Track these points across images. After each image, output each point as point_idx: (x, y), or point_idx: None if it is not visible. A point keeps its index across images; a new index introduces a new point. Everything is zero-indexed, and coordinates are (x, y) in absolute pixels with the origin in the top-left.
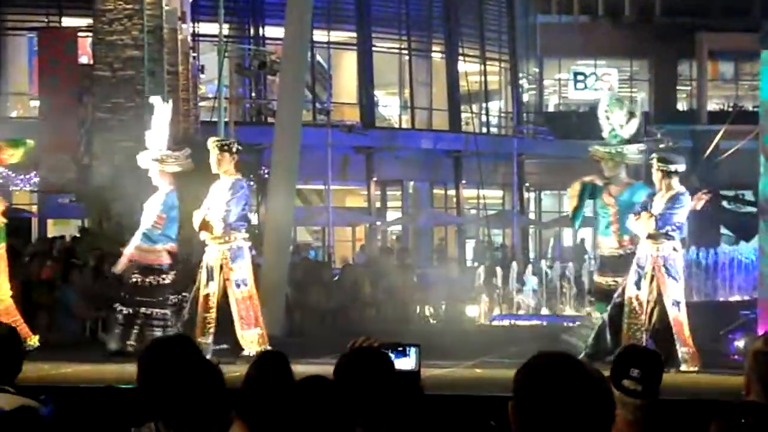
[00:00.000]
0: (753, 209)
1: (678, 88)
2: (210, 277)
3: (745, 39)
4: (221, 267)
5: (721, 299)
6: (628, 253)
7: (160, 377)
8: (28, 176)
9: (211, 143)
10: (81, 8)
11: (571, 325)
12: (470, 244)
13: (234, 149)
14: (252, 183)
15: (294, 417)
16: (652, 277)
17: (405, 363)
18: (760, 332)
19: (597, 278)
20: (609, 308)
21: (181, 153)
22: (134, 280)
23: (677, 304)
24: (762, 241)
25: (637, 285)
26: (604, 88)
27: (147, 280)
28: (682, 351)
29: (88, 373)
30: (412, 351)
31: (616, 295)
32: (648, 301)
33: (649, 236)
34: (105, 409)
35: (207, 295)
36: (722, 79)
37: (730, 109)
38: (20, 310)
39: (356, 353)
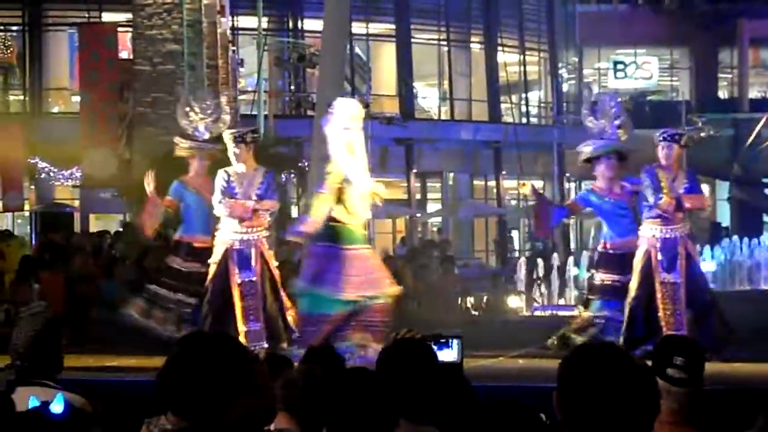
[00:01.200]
0: None
1: (719, 76)
2: (245, 265)
3: None
4: (262, 254)
5: (765, 287)
6: None
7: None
8: (69, 171)
9: (226, 136)
10: (120, 3)
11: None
12: (514, 235)
13: (249, 138)
14: (292, 175)
15: (338, 409)
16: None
17: (447, 354)
18: None
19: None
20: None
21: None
22: None
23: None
24: None
25: (668, 268)
26: (644, 76)
27: None
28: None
29: (133, 365)
30: (455, 342)
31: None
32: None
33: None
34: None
35: (242, 283)
36: (764, 67)
37: None
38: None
39: (399, 345)
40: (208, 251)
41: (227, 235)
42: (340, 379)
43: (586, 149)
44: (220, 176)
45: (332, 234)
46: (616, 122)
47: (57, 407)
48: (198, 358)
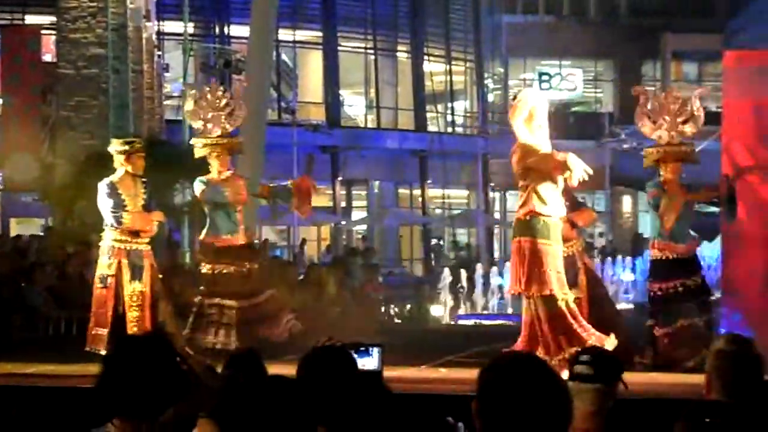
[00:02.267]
0: (716, 209)
1: None
2: (137, 276)
3: (709, 40)
4: (151, 265)
5: None
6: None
7: (125, 375)
8: None
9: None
10: (44, 6)
11: None
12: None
13: (138, 147)
14: None
15: (258, 416)
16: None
17: (368, 362)
18: (722, 331)
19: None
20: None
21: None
22: None
23: None
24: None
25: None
26: (568, 88)
27: None
28: None
29: (53, 372)
30: (375, 351)
31: None
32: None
33: None
34: (64, 410)
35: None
36: (686, 80)
37: None
38: None
39: (319, 352)
40: (234, 250)
41: (111, 243)
42: (261, 386)
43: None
44: (106, 186)
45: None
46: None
47: None
48: (137, 360)
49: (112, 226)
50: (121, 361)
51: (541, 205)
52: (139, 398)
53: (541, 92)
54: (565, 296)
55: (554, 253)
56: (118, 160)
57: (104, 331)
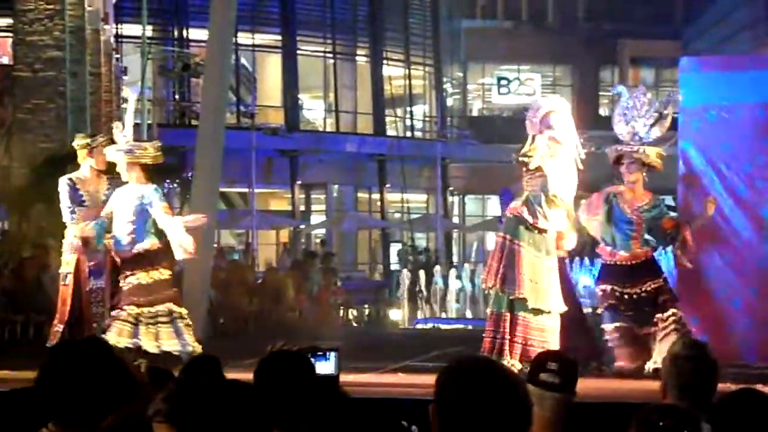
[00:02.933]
0: (673, 214)
1: (600, 93)
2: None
3: (666, 46)
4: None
5: None
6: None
7: (63, 379)
8: None
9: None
10: (1, 8)
11: None
12: (394, 248)
13: (105, 144)
14: (175, 186)
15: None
16: None
17: (324, 367)
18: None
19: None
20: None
21: (149, 144)
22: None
23: None
24: None
25: None
26: (527, 93)
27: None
28: None
29: (9, 377)
30: (332, 355)
31: None
32: None
33: None
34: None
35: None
36: (644, 85)
37: None
38: None
39: (276, 356)
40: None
41: (71, 240)
42: (216, 390)
43: None
44: (66, 182)
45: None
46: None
47: None
48: (74, 365)
49: (72, 222)
50: (57, 366)
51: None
52: (76, 404)
53: (557, 97)
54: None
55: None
56: (81, 155)
57: (62, 327)
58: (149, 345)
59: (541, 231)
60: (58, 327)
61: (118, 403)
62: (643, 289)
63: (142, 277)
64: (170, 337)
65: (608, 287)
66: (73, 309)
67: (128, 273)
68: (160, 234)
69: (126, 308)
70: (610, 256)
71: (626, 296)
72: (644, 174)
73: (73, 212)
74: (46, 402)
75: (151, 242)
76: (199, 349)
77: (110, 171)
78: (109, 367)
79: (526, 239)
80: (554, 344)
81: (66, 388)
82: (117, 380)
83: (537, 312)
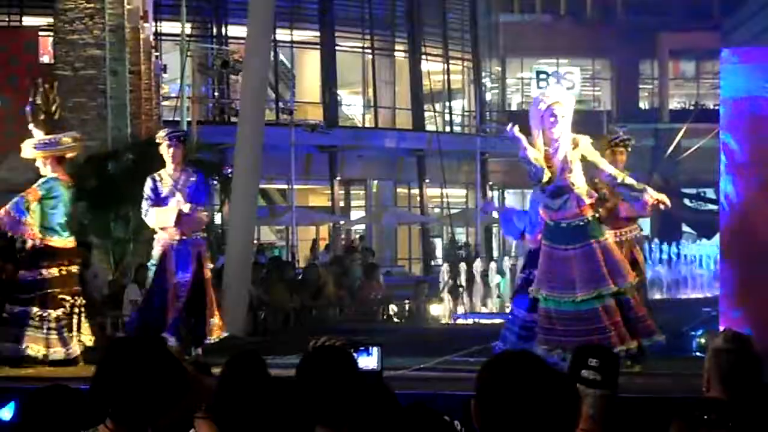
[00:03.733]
0: (714, 207)
1: (640, 86)
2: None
3: (706, 38)
4: (198, 255)
5: (683, 296)
6: None
7: (118, 377)
8: None
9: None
10: (42, 7)
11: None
12: (437, 243)
13: (182, 138)
14: (215, 182)
15: (256, 416)
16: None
17: (367, 362)
18: (721, 329)
19: None
20: None
21: (69, 136)
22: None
23: None
24: None
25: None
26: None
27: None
28: None
29: (53, 374)
30: (375, 350)
31: None
32: None
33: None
34: (57, 410)
35: (178, 284)
36: (683, 78)
37: (692, 108)
38: None
39: (318, 352)
40: None
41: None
42: (258, 386)
43: None
44: (147, 182)
45: None
46: None
47: (6, 413)
48: (132, 363)
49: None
50: (114, 364)
51: None
52: (132, 403)
53: (558, 87)
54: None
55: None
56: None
57: None
58: None
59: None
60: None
61: (171, 404)
62: None
63: None
64: None
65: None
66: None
67: None
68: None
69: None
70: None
71: None
72: None
73: (144, 210)
74: (103, 400)
75: None
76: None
77: (146, 174)
78: (165, 364)
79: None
80: None
81: (122, 386)
82: (172, 378)
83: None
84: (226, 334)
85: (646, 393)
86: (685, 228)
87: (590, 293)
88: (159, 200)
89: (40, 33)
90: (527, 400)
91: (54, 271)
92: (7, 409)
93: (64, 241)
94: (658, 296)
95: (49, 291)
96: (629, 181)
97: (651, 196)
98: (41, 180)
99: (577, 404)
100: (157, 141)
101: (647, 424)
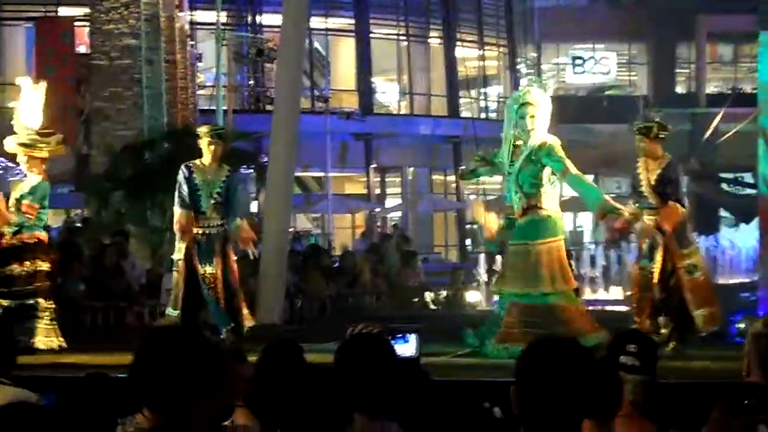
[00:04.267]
0: (752, 191)
1: (677, 71)
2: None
3: (744, 21)
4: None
5: (722, 282)
6: None
7: (156, 365)
8: None
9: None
10: None
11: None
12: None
13: (222, 134)
14: (251, 171)
15: (294, 404)
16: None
17: (405, 349)
18: (761, 314)
19: None
20: None
21: (52, 138)
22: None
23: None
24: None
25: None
26: (602, 71)
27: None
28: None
29: (91, 362)
30: (412, 337)
31: None
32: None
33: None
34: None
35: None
36: (721, 62)
37: (729, 92)
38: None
39: (356, 340)
40: None
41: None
42: (295, 375)
43: None
44: (180, 172)
45: None
46: None
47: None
48: (170, 352)
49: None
50: (152, 353)
51: None
52: (169, 391)
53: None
54: None
55: None
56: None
57: (176, 313)
58: None
59: None
60: (171, 312)
61: (211, 390)
62: None
63: None
64: None
65: None
66: (188, 295)
67: None
68: None
69: None
70: None
71: None
72: None
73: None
74: (140, 388)
75: None
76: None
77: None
78: (202, 353)
79: None
80: None
81: (159, 374)
82: (210, 366)
83: None
84: (253, 324)
85: (686, 378)
86: (724, 213)
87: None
88: (192, 190)
89: (76, 23)
90: (568, 386)
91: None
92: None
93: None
94: None
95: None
96: None
97: None
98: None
99: (619, 390)
100: (199, 135)
101: (687, 409)
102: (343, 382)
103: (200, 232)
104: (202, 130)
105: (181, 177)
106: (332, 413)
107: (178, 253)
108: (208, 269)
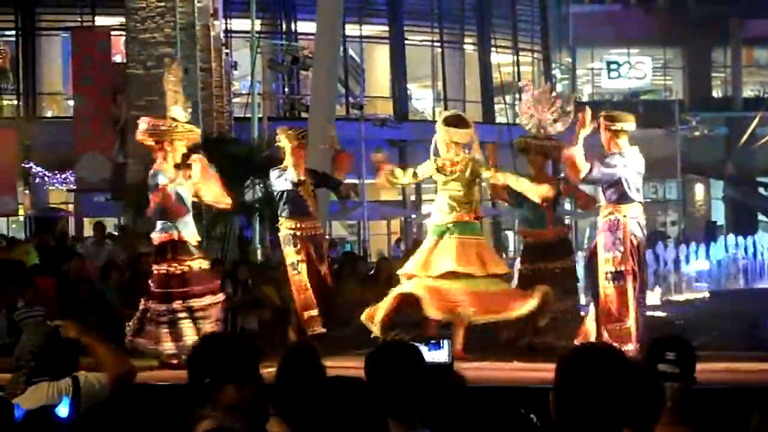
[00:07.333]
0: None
1: (712, 75)
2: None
3: None
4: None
5: (760, 286)
6: None
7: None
8: (64, 175)
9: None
10: (114, 7)
11: None
12: (509, 236)
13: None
14: None
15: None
16: None
17: (438, 355)
18: None
19: None
20: None
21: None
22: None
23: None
24: None
25: None
26: (637, 76)
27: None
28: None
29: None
30: (445, 343)
31: None
32: None
33: None
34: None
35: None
36: (757, 65)
37: (766, 96)
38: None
39: (387, 347)
40: None
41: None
42: (329, 382)
43: None
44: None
45: None
46: None
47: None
48: (218, 360)
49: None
50: (202, 360)
51: None
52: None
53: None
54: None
55: None
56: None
57: (315, 312)
58: None
59: None
60: (311, 313)
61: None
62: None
63: None
64: None
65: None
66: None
67: None
68: None
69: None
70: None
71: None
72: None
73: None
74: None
75: None
76: None
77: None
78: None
79: None
80: None
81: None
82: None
83: None
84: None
85: (726, 384)
86: (761, 217)
87: None
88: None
89: (112, 33)
90: (607, 393)
91: None
92: (63, 405)
93: None
94: (735, 286)
95: None
96: None
97: None
98: None
99: (659, 398)
100: (285, 138)
101: (727, 415)
102: (375, 390)
103: (310, 233)
104: (289, 133)
105: (273, 178)
106: (367, 420)
107: (295, 255)
108: (323, 268)
